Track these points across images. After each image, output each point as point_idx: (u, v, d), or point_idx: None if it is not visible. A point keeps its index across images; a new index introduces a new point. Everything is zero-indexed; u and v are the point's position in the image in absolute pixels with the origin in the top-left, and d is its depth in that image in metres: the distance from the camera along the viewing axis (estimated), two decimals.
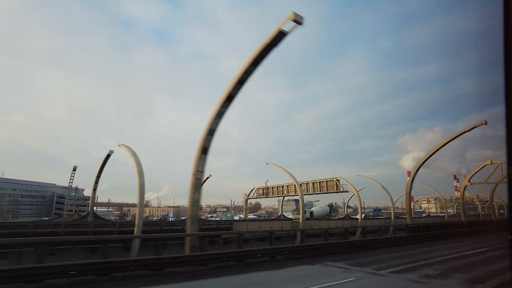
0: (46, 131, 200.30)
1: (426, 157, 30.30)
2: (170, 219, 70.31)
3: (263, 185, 49.13)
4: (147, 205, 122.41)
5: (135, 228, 18.06)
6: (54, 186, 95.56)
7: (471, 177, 42.65)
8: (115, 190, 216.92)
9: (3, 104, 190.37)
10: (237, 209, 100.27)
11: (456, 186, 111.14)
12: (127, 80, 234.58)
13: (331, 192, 39.62)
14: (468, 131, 26.43)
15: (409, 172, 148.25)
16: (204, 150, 14.46)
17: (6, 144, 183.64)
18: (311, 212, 66.01)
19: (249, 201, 56.70)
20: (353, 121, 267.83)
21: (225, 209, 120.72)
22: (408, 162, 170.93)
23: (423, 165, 30.65)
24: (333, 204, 74.83)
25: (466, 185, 44.19)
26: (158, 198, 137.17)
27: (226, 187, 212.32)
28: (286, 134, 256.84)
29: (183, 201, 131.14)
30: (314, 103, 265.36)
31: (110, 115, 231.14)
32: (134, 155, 19.99)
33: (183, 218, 48.66)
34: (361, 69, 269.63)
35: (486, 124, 25.12)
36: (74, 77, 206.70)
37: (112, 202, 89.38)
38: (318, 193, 41.60)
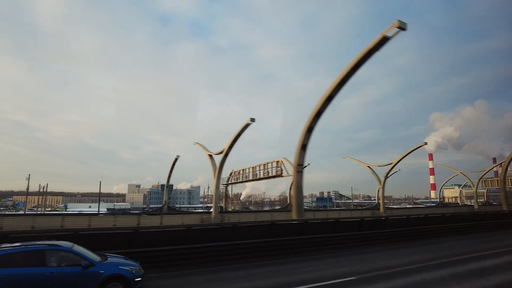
0: (99, 128, 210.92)
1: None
2: None
3: None
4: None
5: None
6: None
7: None
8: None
9: (60, 104, 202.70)
10: None
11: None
12: (170, 75, 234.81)
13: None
14: None
15: (430, 155, 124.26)
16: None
17: (66, 140, 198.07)
18: None
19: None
20: (402, 106, 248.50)
21: None
22: (432, 142, 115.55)
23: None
24: None
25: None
26: (191, 187, 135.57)
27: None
28: (329, 122, 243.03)
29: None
30: (358, 88, 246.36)
31: (157, 110, 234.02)
32: None
33: None
34: (408, 48, 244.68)
35: None
36: (121, 75, 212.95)
37: None
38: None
